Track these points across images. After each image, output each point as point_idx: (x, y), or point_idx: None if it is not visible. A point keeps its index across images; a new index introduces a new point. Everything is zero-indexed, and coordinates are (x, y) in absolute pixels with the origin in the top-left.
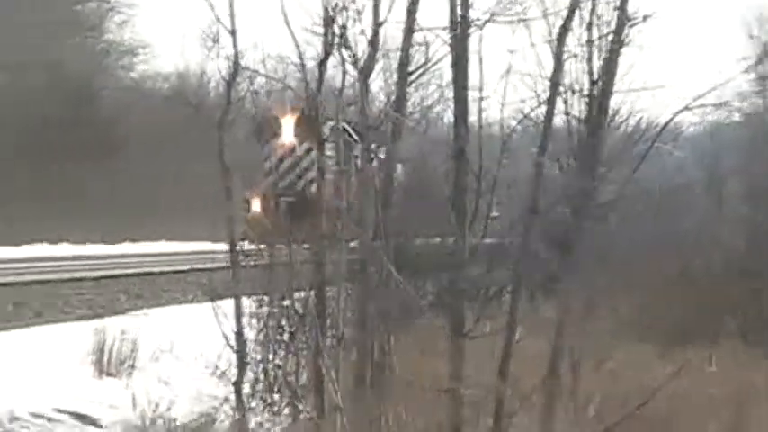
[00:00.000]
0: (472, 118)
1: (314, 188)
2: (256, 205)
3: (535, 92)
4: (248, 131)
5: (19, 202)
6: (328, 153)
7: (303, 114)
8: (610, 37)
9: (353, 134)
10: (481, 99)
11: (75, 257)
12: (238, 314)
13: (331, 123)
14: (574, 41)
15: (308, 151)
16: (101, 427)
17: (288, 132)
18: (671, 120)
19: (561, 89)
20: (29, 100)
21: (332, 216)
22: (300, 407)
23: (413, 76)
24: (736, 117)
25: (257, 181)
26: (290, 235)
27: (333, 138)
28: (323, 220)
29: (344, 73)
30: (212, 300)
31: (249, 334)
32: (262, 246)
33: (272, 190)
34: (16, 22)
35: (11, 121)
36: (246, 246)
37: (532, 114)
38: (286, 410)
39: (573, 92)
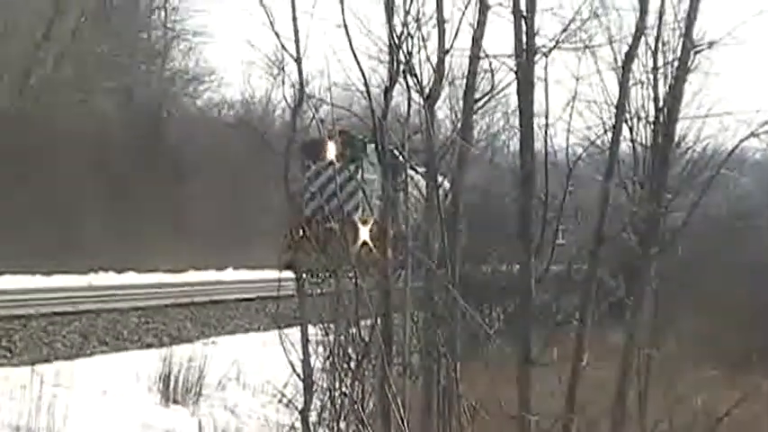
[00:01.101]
0: (538, 145)
1: (359, 214)
2: (299, 233)
3: (601, 119)
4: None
5: (87, 230)
6: (372, 177)
7: (347, 138)
8: (675, 63)
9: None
10: (547, 126)
11: (141, 285)
12: (305, 342)
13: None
14: (639, 68)
15: (353, 176)
16: None
17: (332, 156)
18: (737, 146)
19: (627, 116)
20: (99, 127)
21: (384, 243)
22: None
23: (479, 104)
24: None
25: (300, 207)
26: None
27: (376, 160)
28: (388, 247)
29: (410, 100)
30: (279, 327)
31: (316, 362)
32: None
33: (315, 216)
34: (84, 48)
35: (81, 148)
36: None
37: (598, 141)
38: None
39: (639, 118)
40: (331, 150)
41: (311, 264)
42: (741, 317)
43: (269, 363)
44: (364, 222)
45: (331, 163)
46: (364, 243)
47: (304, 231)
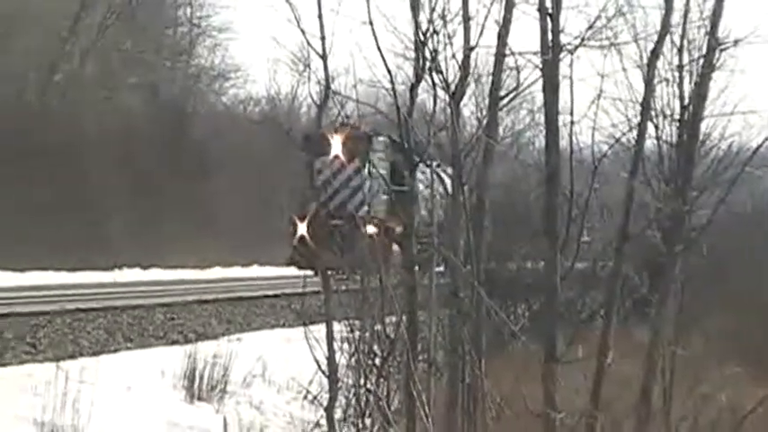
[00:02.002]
0: (563, 142)
1: (364, 210)
2: (303, 228)
3: (626, 116)
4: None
5: (112, 226)
6: (382, 172)
7: (352, 132)
8: (700, 61)
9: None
10: (572, 123)
11: (166, 282)
12: (330, 339)
13: (381, 138)
14: (664, 66)
15: (359, 171)
16: None
17: (337, 150)
18: (762, 144)
19: (652, 113)
20: (124, 123)
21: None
22: None
23: (504, 101)
24: None
25: (304, 202)
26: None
27: (384, 155)
28: (413, 243)
29: (436, 97)
30: (304, 324)
31: (341, 359)
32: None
33: (319, 211)
34: (109, 44)
35: (106, 145)
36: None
37: (623, 139)
38: None
39: (664, 116)
40: (336, 145)
41: (325, 262)
42: (766, 314)
43: (294, 359)
44: (370, 218)
45: (336, 157)
46: (370, 239)
47: (308, 228)
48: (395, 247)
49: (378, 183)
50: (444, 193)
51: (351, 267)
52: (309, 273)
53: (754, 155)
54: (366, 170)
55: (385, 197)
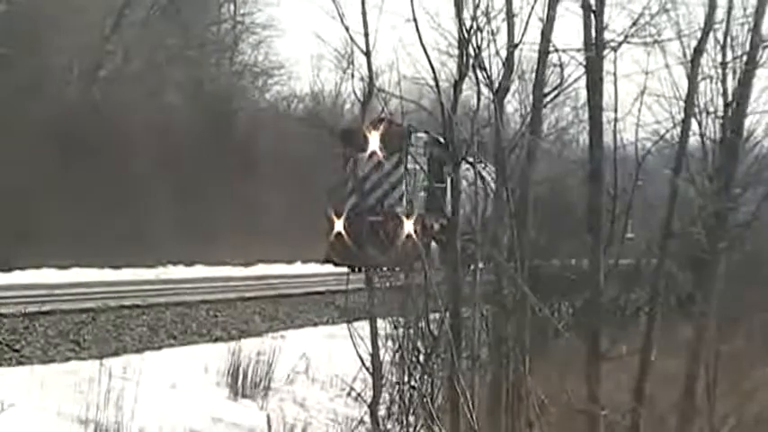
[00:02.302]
0: (607, 139)
1: (402, 206)
2: (339, 225)
3: (670, 113)
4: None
5: (156, 223)
6: (419, 168)
7: (390, 127)
8: (744, 58)
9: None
10: (616, 120)
11: (209, 279)
12: (374, 336)
13: (419, 134)
14: (708, 63)
15: (396, 166)
16: None
17: (374, 145)
18: None
19: (696, 110)
20: (168, 120)
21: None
22: (436, 429)
23: (548, 98)
24: None
25: (341, 198)
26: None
27: (422, 151)
28: (458, 241)
29: (479, 94)
30: (348, 321)
31: (385, 356)
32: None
33: (356, 208)
34: (153, 41)
35: (150, 141)
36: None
37: (667, 136)
38: None
39: (707, 113)
40: (373, 140)
41: (366, 259)
42: None
43: (338, 356)
44: (408, 215)
45: (373, 153)
46: (408, 236)
47: (344, 224)
48: (433, 243)
49: (416, 179)
50: (486, 190)
51: (392, 264)
52: (347, 270)
53: None
54: (404, 166)
55: (423, 193)
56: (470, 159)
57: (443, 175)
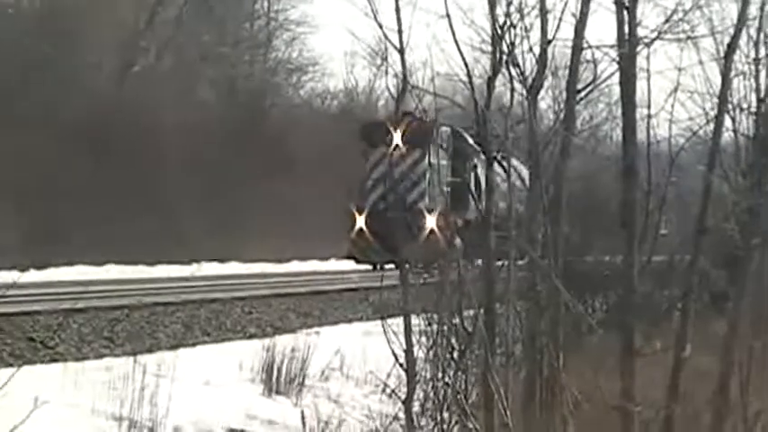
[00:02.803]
0: (641, 135)
1: (425, 203)
2: (361, 221)
3: (703, 109)
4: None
5: (190, 220)
6: (441, 162)
7: (413, 122)
8: None
9: (473, 143)
10: (649, 117)
11: (243, 276)
12: (408, 332)
13: (442, 129)
14: (741, 59)
15: (419, 161)
16: None
17: (397, 140)
18: None
19: (729, 107)
20: (201, 117)
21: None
22: (470, 425)
23: (581, 94)
24: None
25: (363, 194)
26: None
27: (445, 145)
28: (491, 236)
29: (513, 91)
30: (382, 318)
31: (419, 352)
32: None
33: (378, 204)
34: (187, 37)
35: (184, 138)
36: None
37: (700, 132)
38: (455, 429)
39: (741, 109)
40: (396, 135)
41: (393, 255)
42: None
43: (372, 353)
44: (431, 211)
45: (396, 147)
46: (431, 232)
47: (366, 220)
48: (457, 239)
49: (439, 174)
50: (516, 186)
51: (415, 261)
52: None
53: None
54: (427, 161)
55: (446, 188)
56: (501, 156)
57: (467, 170)
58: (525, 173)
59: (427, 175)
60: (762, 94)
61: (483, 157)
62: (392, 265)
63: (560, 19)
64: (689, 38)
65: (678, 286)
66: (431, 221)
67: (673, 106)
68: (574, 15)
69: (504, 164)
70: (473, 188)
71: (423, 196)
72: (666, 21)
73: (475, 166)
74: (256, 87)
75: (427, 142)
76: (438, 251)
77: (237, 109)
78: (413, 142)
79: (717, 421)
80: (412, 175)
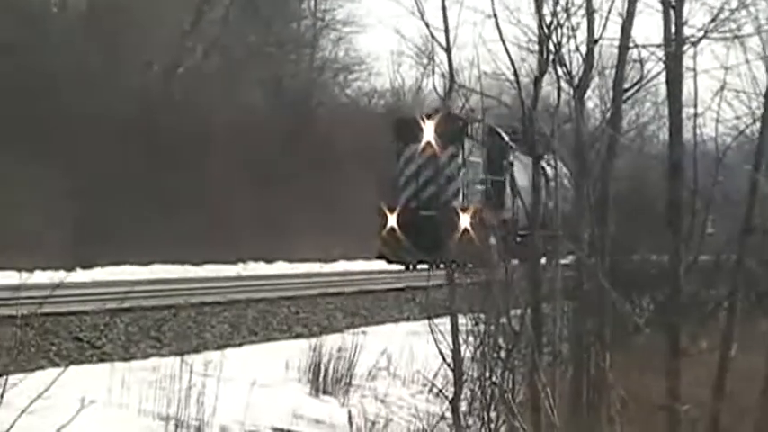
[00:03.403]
0: (687, 135)
1: (459, 201)
2: (392, 220)
3: (750, 108)
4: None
5: (237, 220)
6: (475, 160)
7: (446, 117)
8: None
9: (507, 139)
10: (695, 116)
11: (290, 275)
12: (455, 331)
13: (477, 125)
14: None
15: (453, 158)
16: None
17: (429, 137)
18: None
19: None
20: (248, 116)
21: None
22: (517, 424)
23: (627, 94)
24: None
25: (395, 192)
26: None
27: (481, 141)
28: (538, 235)
29: (559, 90)
30: (429, 317)
31: (465, 351)
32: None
33: (410, 202)
34: (233, 37)
35: (230, 138)
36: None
37: (747, 131)
38: (502, 428)
39: None
40: (428, 131)
41: (417, 255)
42: None
43: (419, 352)
44: (465, 209)
45: (428, 145)
46: (465, 231)
47: (398, 219)
48: (491, 239)
49: (473, 171)
50: (557, 185)
51: (449, 261)
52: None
53: None
54: (460, 158)
55: (480, 186)
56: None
57: (502, 168)
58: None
59: (461, 173)
60: None
61: (519, 154)
62: (425, 266)
63: (607, 18)
64: (735, 37)
65: (724, 286)
66: (465, 220)
67: (719, 105)
68: (620, 15)
69: (557, 162)
70: (509, 186)
71: (456, 194)
72: (713, 20)
73: (511, 164)
74: (303, 87)
75: (461, 139)
76: (472, 251)
77: (284, 108)
78: (446, 139)
79: (763, 420)
80: (445, 173)
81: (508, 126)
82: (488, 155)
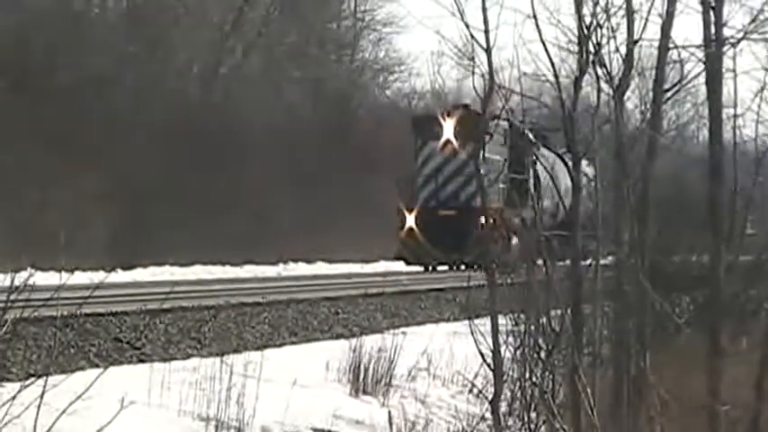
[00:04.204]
0: (727, 135)
1: (479, 199)
2: (411, 220)
3: None
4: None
5: (277, 220)
6: (497, 157)
7: (466, 114)
8: None
9: (533, 138)
10: (736, 116)
11: (331, 276)
12: (495, 332)
13: (502, 123)
14: None
15: (473, 157)
16: None
17: (449, 134)
18: None
19: None
20: (288, 117)
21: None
22: (557, 425)
23: (668, 94)
24: None
25: (414, 192)
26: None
27: (503, 140)
28: (578, 236)
29: (599, 91)
30: (469, 318)
31: (506, 352)
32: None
33: (429, 201)
34: (273, 38)
35: (271, 139)
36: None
37: None
38: (543, 429)
39: None
40: (448, 128)
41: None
42: None
43: (459, 353)
44: (485, 209)
45: (448, 142)
46: (485, 231)
47: (416, 219)
48: (514, 239)
49: (495, 170)
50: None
51: (470, 261)
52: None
53: None
54: (481, 156)
55: (503, 185)
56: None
57: (525, 166)
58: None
59: (482, 171)
60: None
61: (543, 151)
62: (445, 266)
63: (647, 19)
64: None
65: (765, 286)
66: (485, 220)
67: (759, 106)
68: (660, 16)
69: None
70: (532, 185)
71: (476, 193)
72: (752, 21)
73: (534, 162)
74: (343, 87)
75: (482, 136)
76: (494, 251)
77: (324, 109)
78: (467, 136)
79: None
80: (465, 171)
81: (531, 123)
82: (511, 153)
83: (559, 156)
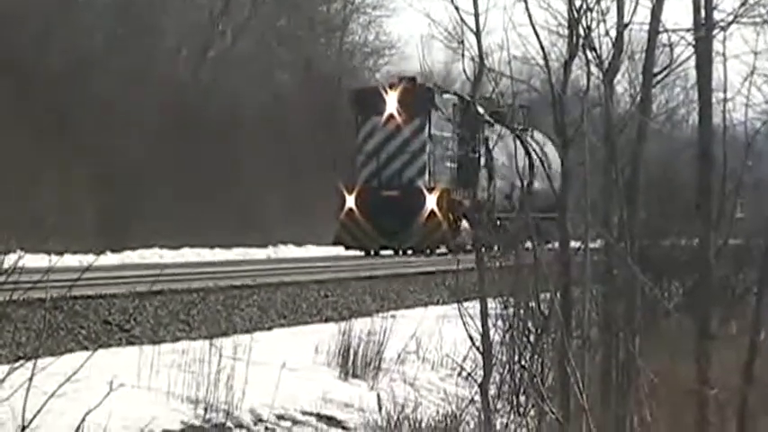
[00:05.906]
0: (717, 119)
1: (424, 180)
2: (351, 201)
3: None
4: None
5: (267, 204)
6: (444, 134)
7: (410, 86)
8: None
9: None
10: (725, 100)
11: (319, 259)
12: (484, 315)
13: (447, 96)
14: None
15: (418, 133)
16: (346, 429)
17: (391, 109)
18: None
19: None
20: (277, 100)
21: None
22: (546, 408)
23: (657, 78)
24: None
25: (354, 171)
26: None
27: (449, 115)
28: (567, 218)
29: (589, 74)
30: (458, 301)
31: (495, 335)
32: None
33: (371, 181)
34: (262, 21)
35: (260, 122)
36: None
37: None
38: (532, 412)
39: None
40: (390, 102)
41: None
42: None
43: (448, 336)
44: (431, 189)
45: (391, 117)
46: (431, 214)
47: (356, 200)
48: (464, 222)
49: (442, 148)
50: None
51: (414, 246)
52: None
53: None
54: (427, 132)
55: (451, 164)
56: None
57: (476, 144)
58: (550, 148)
59: (427, 149)
60: None
61: (498, 128)
62: (388, 251)
63: (637, 2)
64: (765, 22)
65: (754, 270)
66: (431, 201)
67: (749, 90)
68: None
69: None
70: (483, 164)
71: (422, 172)
72: (742, 4)
73: (486, 140)
74: (332, 71)
75: (427, 111)
76: (440, 235)
77: (314, 92)
78: (411, 111)
79: None
80: (409, 149)
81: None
82: (460, 129)
83: (516, 134)
